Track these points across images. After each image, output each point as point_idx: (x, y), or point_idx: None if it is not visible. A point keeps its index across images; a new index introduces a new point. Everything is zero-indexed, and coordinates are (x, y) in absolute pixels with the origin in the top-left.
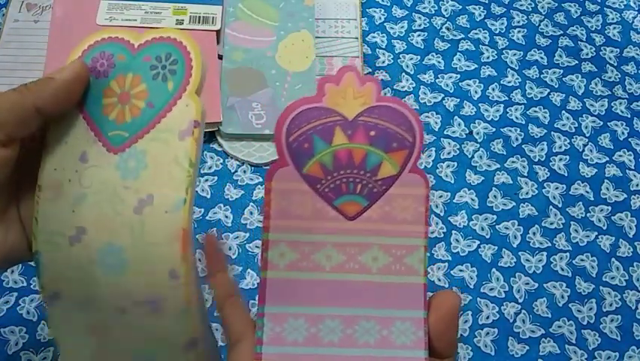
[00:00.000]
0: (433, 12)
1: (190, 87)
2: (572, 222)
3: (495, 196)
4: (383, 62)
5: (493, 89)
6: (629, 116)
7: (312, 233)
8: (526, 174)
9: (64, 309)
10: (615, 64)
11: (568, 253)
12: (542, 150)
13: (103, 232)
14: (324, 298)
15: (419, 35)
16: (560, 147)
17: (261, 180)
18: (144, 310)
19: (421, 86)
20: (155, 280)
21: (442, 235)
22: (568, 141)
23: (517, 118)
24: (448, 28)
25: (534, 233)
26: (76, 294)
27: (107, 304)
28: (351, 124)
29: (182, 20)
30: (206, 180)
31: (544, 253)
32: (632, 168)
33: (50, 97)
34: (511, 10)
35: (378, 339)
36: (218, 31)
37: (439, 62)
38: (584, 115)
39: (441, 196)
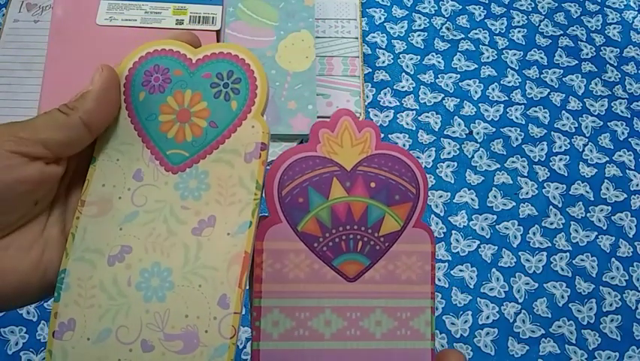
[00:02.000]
0: (433, 12)
1: (255, 108)
2: (572, 222)
3: (495, 196)
4: (383, 62)
5: (493, 89)
6: (629, 116)
7: (309, 297)
8: (526, 174)
9: (74, 343)
10: (615, 64)
11: (568, 253)
12: (542, 150)
13: (152, 252)
14: None
15: (419, 35)
16: (560, 147)
17: None
18: (175, 347)
19: (421, 86)
20: (200, 308)
21: (442, 235)
22: (568, 141)
23: (517, 118)
24: (448, 28)
25: (534, 233)
26: (97, 324)
27: (132, 336)
28: (349, 175)
29: (182, 20)
30: None
31: (544, 253)
32: (632, 168)
33: (94, 108)
34: (511, 10)
35: None
36: (218, 31)
37: (439, 62)
38: (584, 115)
39: (441, 196)
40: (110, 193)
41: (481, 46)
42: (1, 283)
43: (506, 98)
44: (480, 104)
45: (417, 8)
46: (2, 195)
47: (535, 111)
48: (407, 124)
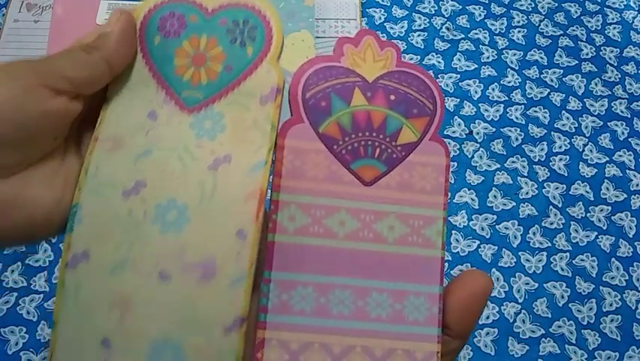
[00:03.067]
0: (433, 12)
1: (271, 54)
2: (572, 222)
3: (495, 196)
4: None
5: (493, 89)
6: (629, 116)
7: (326, 197)
8: (526, 174)
9: (87, 274)
10: (615, 64)
11: (568, 253)
12: (542, 150)
13: (167, 187)
14: (336, 266)
15: (419, 35)
16: (560, 147)
17: None
18: (193, 277)
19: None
20: (218, 240)
21: None
22: (568, 141)
23: (517, 118)
24: (448, 28)
25: (534, 233)
26: (112, 255)
27: (149, 267)
28: (370, 86)
29: None
30: None
31: (544, 253)
32: (632, 168)
33: (115, 48)
34: (511, 10)
35: (391, 313)
36: None
37: (439, 62)
38: (584, 115)
39: None
40: (124, 131)
41: (481, 46)
42: (28, 216)
43: (506, 98)
44: (480, 104)
45: (417, 8)
46: (28, 128)
47: (535, 111)
48: None
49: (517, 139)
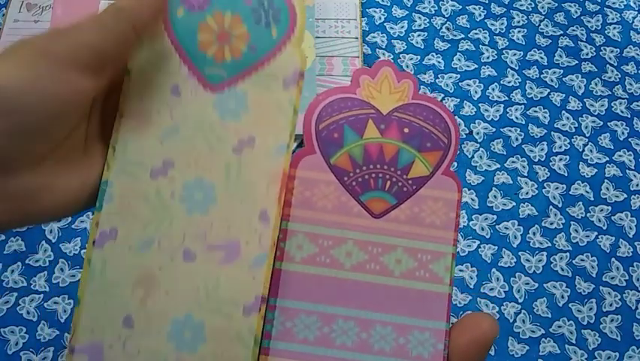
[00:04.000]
0: (433, 12)
1: (295, 37)
2: (572, 222)
3: (495, 196)
4: None
5: (493, 89)
6: (629, 116)
7: (334, 227)
8: (526, 174)
9: (115, 252)
10: (615, 64)
11: (568, 253)
12: (542, 150)
13: (194, 167)
14: (341, 297)
15: (419, 35)
16: (560, 147)
17: None
18: (216, 257)
19: (421, 86)
20: (241, 221)
21: None
22: (568, 141)
23: (517, 118)
24: (448, 28)
25: (534, 233)
26: (139, 234)
27: (175, 246)
28: (384, 118)
29: None
30: None
31: (544, 253)
32: (632, 168)
33: (148, 15)
34: (511, 10)
35: (394, 347)
36: None
37: (439, 62)
38: (584, 115)
39: None
40: (149, 106)
41: (481, 46)
42: (57, 200)
43: (506, 98)
44: (480, 104)
45: (417, 8)
46: (57, 114)
47: (535, 111)
48: None
49: (517, 139)
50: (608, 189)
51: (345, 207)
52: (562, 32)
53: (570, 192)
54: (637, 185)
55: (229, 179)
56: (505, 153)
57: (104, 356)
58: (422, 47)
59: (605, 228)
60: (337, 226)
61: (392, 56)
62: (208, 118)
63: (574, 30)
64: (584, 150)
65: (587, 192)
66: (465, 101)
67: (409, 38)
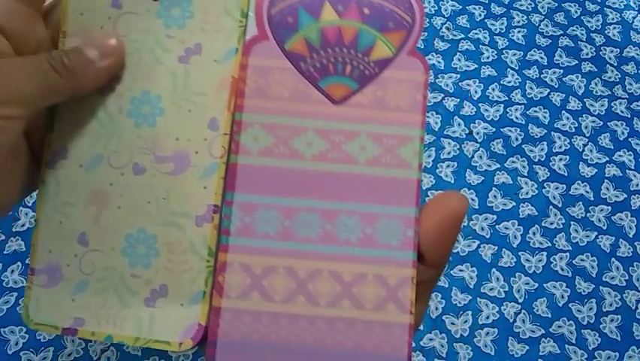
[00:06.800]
0: (433, 12)
1: None
2: (572, 222)
3: (495, 196)
4: None
5: (493, 89)
6: (629, 116)
7: (292, 116)
8: (526, 174)
9: (66, 171)
10: (615, 64)
11: (568, 253)
12: (542, 150)
13: (140, 80)
14: (302, 189)
15: None
16: (560, 147)
17: None
18: (166, 168)
19: None
20: (190, 131)
21: None
22: (568, 141)
23: (517, 118)
24: (448, 28)
25: (534, 233)
26: (89, 151)
27: (124, 161)
28: (342, 0)
29: None
30: None
31: (544, 253)
32: (632, 168)
33: (90, 85)
34: (511, 10)
35: (361, 237)
36: None
37: (439, 62)
38: (584, 115)
39: None
40: (90, 22)
41: (481, 46)
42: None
43: (506, 98)
44: (480, 104)
45: None
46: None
47: (535, 111)
48: None
49: (517, 139)
50: (608, 189)
51: (303, 95)
52: (562, 32)
53: (570, 192)
54: (637, 185)
55: (177, 89)
56: (505, 153)
57: (62, 275)
58: (422, 47)
59: (605, 228)
60: (295, 115)
61: None
62: (153, 29)
63: (574, 30)
64: (584, 150)
65: (587, 192)
66: (465, 101)
67: None
